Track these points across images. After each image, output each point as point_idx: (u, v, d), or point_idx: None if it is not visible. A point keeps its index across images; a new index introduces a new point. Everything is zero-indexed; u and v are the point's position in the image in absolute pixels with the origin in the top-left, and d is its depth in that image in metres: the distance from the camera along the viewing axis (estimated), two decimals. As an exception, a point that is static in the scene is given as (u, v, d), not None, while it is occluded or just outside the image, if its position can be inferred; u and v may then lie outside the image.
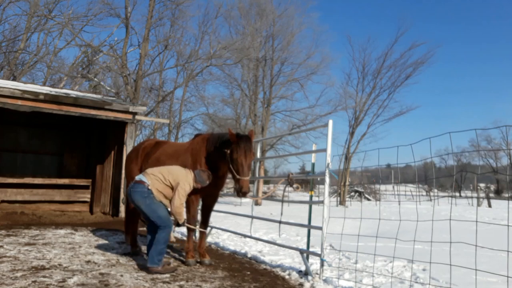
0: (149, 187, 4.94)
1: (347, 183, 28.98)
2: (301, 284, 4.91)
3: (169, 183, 5.02)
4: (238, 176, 5.07)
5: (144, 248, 6.48)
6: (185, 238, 5.61)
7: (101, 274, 4.72)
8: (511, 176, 46.24)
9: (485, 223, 8.77)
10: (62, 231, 8.05)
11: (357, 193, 34.98)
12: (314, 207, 6.37)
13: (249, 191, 5.21)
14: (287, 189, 5.93)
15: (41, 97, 9.80)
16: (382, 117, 29.19)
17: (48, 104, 9.94)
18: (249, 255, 6.61)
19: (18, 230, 7.89)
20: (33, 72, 25.17)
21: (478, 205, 30.20)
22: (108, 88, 25.48)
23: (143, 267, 5.16)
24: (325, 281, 4.98)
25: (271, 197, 11.71)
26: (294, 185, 5.84)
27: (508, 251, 3.45)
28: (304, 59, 29.64)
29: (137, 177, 5.12)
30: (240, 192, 5.06)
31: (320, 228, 5.14)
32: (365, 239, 6.18)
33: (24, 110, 9.74)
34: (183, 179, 5.06)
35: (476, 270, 3.73)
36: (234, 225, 10.41)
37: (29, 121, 12.02)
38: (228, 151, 5.21)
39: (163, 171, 5.10)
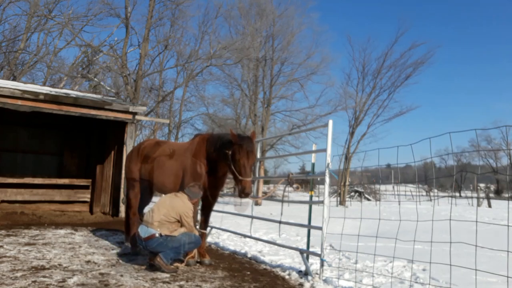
0: (162, 234, 4.99)
1: (347, 183, 28.98)
2: (301, 284, 4.91)
3: (174, 219, 5.09)
4: (240, 177, 5.04)
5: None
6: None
7: (101, 274, 4.72)
8: (511, 176, 46.23)
9: (485, 223, 8.76)
10: (62, 231, 8.05)
11: (357, 193, 34.98)
12: (314, 207, 6.37)
13: (251, 192, 5.21)
14: (287, 189, 5.93)
15: (41, 97, 9.79)
16: (382, 117, 29.20)
17: (48, 104, 9.93)
18: (249, 255, 6.61)
19: (18, 230, 7.89)
20: (33, 72, 25.21)
21: (478, 205, 30.20)
22: (108, 88, 25.48)
23: (143, 267, 5.16)
24: (325, 281, 4.98)
25: (271, 197, 11.72)
26: (294, 185, 5.83)
27: (508, 251, 3.45)
28: (304, 59, 29.65)
29: (142, 232, 5.06)
30: (243, 193, 5.04)
31: (320, 228, 5.14)
32: (365, 239, 6.18)
33: (24, 110, 9.73)
34: (182, 207, 5.12)
35: (476, 270, 3.73)
36: (234, 225, 10.40)
37: (29, 121, 12.01)
38: (230, 152, 5.18)
39: (162, 212, 5.08)
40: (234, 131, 5.25)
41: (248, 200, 6.40)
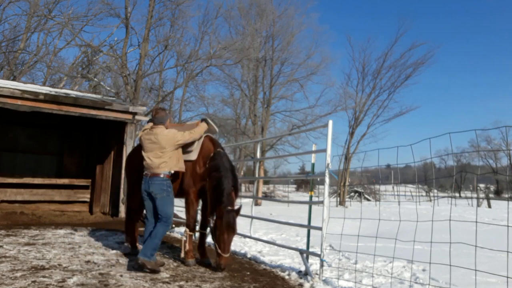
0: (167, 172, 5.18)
1: (347, 183, 29.00)
2: (300, 285, 4.91)
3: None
4: (219, 251, 5.08)
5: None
6: (185, 238, 5.60)
7: (101, 274, 4.72)
8: (510, 176, 46.28)
9: (484, 224, 8.76)
10: (61, 231, 8.05)
11: (356, 194, 35.00)
12: (313, 207, 6.37)
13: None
14: (287, 189, 5.92)
15: (41, 97, 9.79)
16: (382, 117, 29.30)
17: (48, 104, 9.93)
18: (248, 256, 6.61)
19: (18, 230, 7.89)
20: (33, 72, 25.21)
21: (478, 205, 30.22)
22: (108, 88, 25.47)
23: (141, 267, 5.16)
24: (324, 281, 4.98)
25: (270, 198, 11.71)
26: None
27: (508, 252, 3.45)
28: (304, 59, 29.74)
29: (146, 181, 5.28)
30: (219, 268, 5.11)
31: (320, 229, 5.14)
32: (365, 240, 6.18)
33: (24, 110, 9.73)
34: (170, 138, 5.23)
35: (476, 270, 3.73)
36: (234, 225, 10.39)
37: (29, 121, 12.01)
38: (212, 221, 5.20)
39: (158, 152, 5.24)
40: (223, 208, 5.11)
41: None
